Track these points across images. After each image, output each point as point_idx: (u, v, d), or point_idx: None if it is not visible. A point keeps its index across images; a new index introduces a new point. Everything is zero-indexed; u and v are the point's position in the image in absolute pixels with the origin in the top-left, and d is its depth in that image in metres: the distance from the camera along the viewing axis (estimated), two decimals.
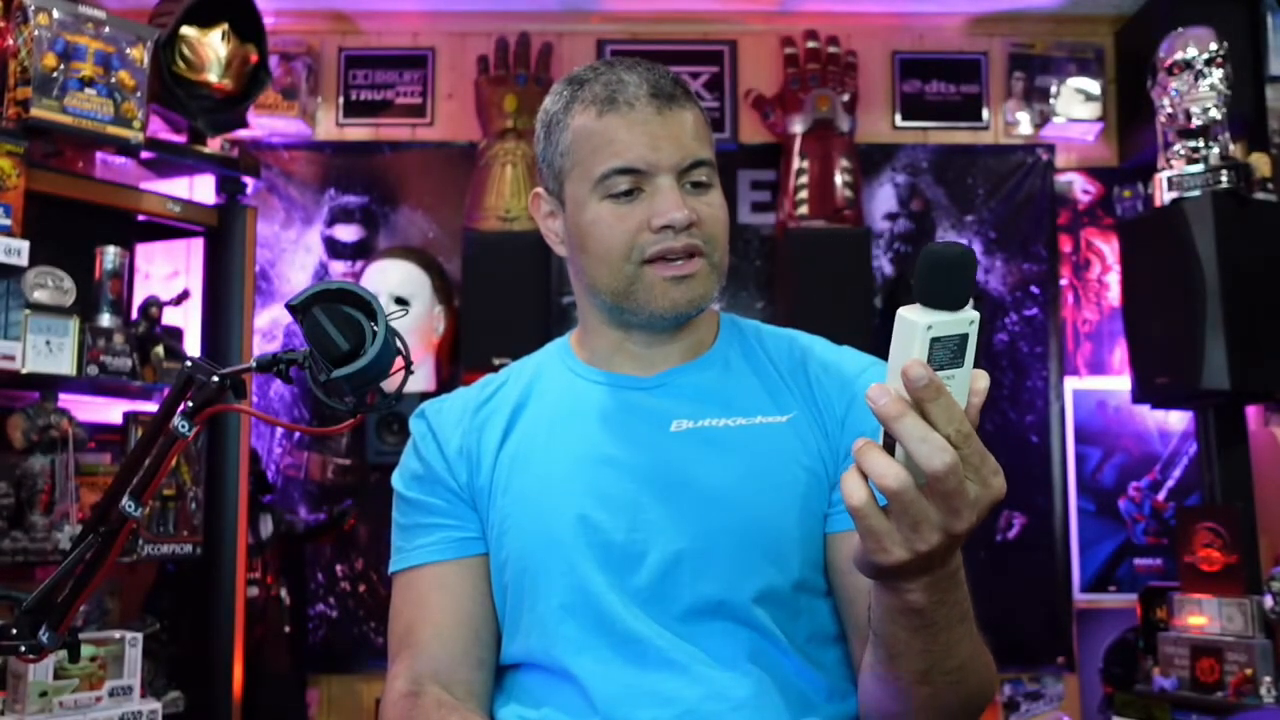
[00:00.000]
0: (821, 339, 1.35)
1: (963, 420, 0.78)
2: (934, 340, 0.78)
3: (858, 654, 1.19)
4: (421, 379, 3.24)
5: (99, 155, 2.57)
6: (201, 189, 2.92)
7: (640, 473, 1.21)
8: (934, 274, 0.79)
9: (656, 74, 1.23)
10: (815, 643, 1.20)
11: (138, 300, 2.57)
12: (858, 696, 1.16)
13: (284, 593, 3.05)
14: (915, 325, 0.78)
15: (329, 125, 3.61)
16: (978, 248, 3.58)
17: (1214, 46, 2.96)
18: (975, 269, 0.79)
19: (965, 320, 0.79)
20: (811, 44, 3.43)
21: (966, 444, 0.78)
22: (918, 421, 0.77)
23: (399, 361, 1.10)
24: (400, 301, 3.21)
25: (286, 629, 3.05)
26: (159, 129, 2.68)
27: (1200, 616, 2.79)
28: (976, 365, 0.81)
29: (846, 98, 3.39)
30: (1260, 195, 2.94)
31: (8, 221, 2.18)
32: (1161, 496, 3.45)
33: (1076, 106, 3.56)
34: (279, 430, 3.45)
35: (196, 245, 2.79)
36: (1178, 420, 3.47)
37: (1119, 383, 3.43)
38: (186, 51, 2.59)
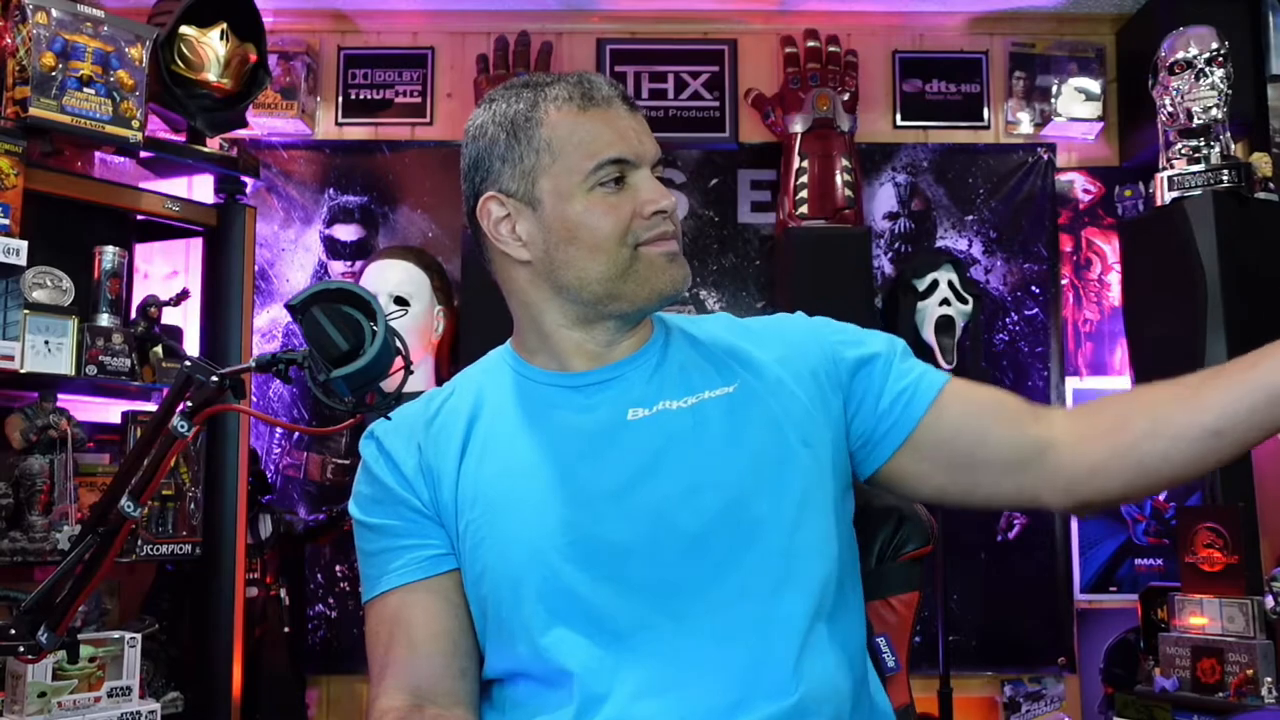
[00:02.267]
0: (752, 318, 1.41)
1: None
2: None
3: (1006, 483, 1.25)
4: (421, 379, 3.24)
5: (98, 155, 2.57)
6: (200, 189, 2.92)
7: (605, 465, 1.22)
8: None
9: (613, 81, 1.32)
10: (807, 613, 1.19)
11: (136, 300, 2.56)
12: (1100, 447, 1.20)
13: (283, 593, 3.05)
14: None
15: (328, 125, 3.61)
16: (978, 247, 3.57)
17: (1215, 45, 2.96)
18: None
19: None
20: (811, 43, 3.43)
21: None
22: None
23: (398, 361, 1.10)
24: (400, 301, 3.20)
25: (286, 629, 3.04)
26: (158, 128, 2.68)
27: (1201, 617, 2.78)
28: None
29: (846, 97, 3.39)
30: (1261, 195, 2.94)
31: (6, 221, 2.18)
32: (1162, 497, 3.45)
33: (1077, 106, 3.55)
34: (278, 430, 3.44)
35: (195, 245, 2.79)
36: None
37: (1120, 383, 3.43)
38: (185, 51, 2.59)
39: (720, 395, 1.26)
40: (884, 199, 3.58)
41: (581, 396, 1.28)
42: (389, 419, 1.29)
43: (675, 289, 1.27)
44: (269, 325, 3.50)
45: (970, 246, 3.57)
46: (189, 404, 1.12)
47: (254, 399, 3.35)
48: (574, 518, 1.20)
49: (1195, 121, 2.96)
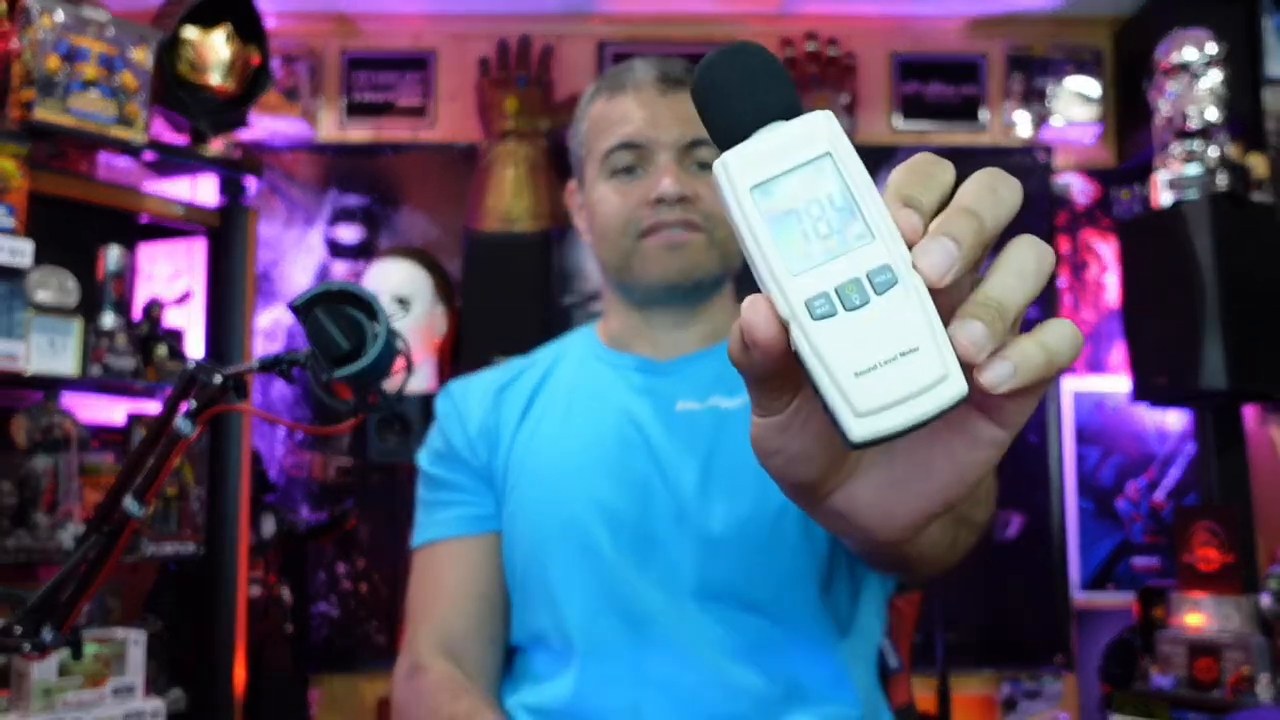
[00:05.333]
0: None
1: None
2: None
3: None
4: (422, 379, 3.25)
5: (102, 156, 2.58)
6: (204, 190, 2.93)
7: (650, 452, 1.23)
8: (709, 87, 0.52)
9: (669, 61, 1.29)
10: (824, 625, 1.20)
11: (140, 301, 2.58)
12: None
13: (286, 592, 3.06)
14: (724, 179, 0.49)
15: (331, 126, 3.62)
16: None
17: (1211, 48, 2.97)
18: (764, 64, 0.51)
19: (804, 135, 0.49)
20: (811, 46, 3.44)
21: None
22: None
23: (400, 362, 1.11)
24: (401, 302, 3.22)
25: (288, 628, 3.06)
26: (161, 130, 2.69)
27: (1198, 615, 2.79)
28: None
29: (846, 99, 3.40)
30: (1257, 196, 2.95)
31: (11, 222, 2.19)
32: (1159, 496, 3.46)
33: (1075, 108, 3.56)
34: (281, 430, 3.46)
35: (199, 246, 2.80)
36: (1176, 420, 3.48)
37: (1117, 383, 3.44)
38: (189, 53, 2.60)
39: None
40: None
41: (640, 381, 1.29)
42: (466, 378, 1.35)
43: (669, 280, 1.25)
44: (272, 326, 3.52)
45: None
46: (192, 404, 1.13)
47: (257, 399, 3.36)
48: (613, 501, 1.21)
49: (1192, 124, 2.97)
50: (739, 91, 0.51)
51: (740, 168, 0.49)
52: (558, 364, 1.36)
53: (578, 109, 1.34)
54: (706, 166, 1.25)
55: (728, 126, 0.51)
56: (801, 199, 0.48)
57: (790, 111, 0.50)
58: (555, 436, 1.28)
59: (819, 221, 0.48)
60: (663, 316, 1.30)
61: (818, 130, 0.49)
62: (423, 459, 1.36)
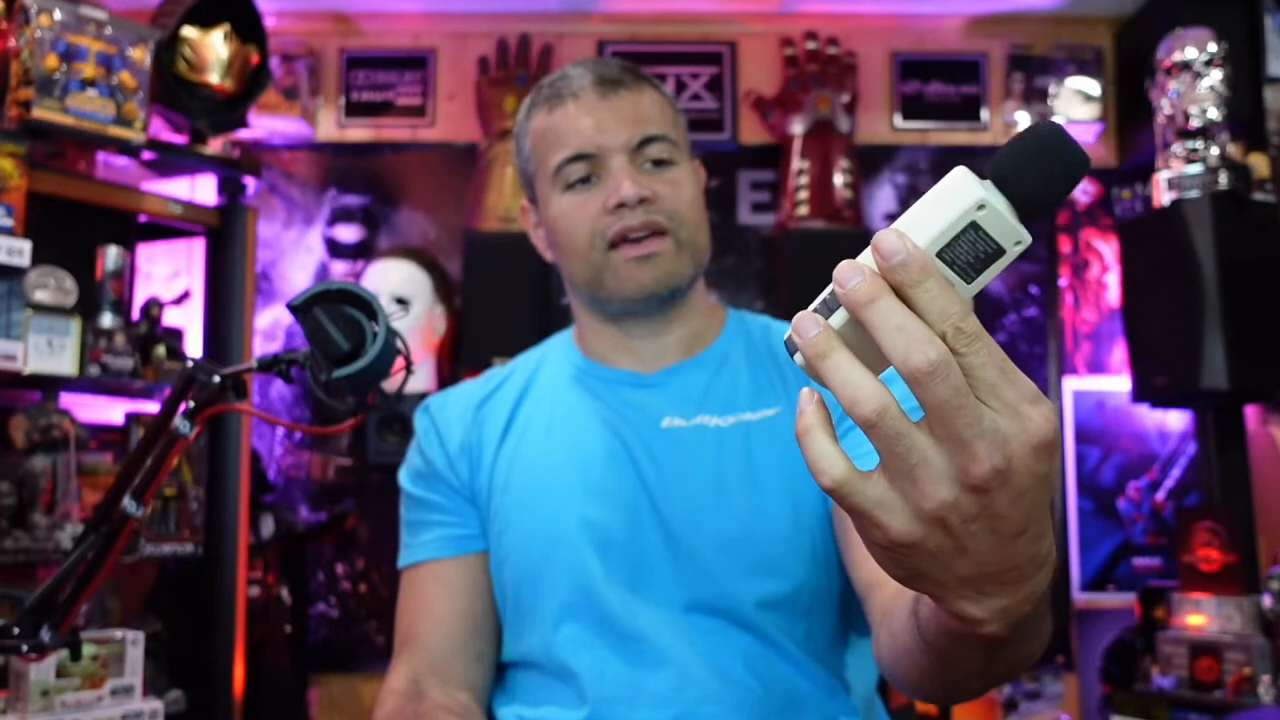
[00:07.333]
0: None
1: (965, 317, 0.54)
2: (971, 227, 0.56)
3: (874, 621, 1.01)
4: (422, 379, 3.25)
5: (100, 156, 2.58)
6: (203, 189, 2.93)
7: (635, 470, 1.21)
8: (1038, 154, 0.59)
9: (603, 64, 1.26)
10: (818, 642, 1.19)
11: (139, 300, 2.57)
12: (886, 661, 0.93)
13: (285, 592, 3.06)
14: (965, 192, 0.56)
15: (330, 126, 3.62)
16: None
17: (1212, 48, 2.97)
18: (1080, 177, 0.59)
19: (1015, 236, 0.57)
20: (811, 45, 3.44)
21: (970, 347, 0.54)
22: (897, 306, 0.54)
23: (399, 361, 1.11)
24: (400, 302, 3.21)
25: (287, 629, 3.05)
26: (160, 129, 2.69)
27: (1199, 616, 2.79)
28: None
29: (846, 98, 3.40)
30: (1259, 196, 2.95)
31: (10, 222, 2.19)
32: (1160, 496, 3.46)
33: (1076, 107, 3.56)
34: (280, 430, 3.45)
35: (198, 245, 2.80)
36: (1177, 420, 3.48)
37: (1118, 383, 3.43)
38: (188, 52, 2.60)
39: (763, 418, 1.22)
40: (883, 200, 3.59)
41: (625, 396, 1.26)
42: (445, 392, 1.33)
43: (644, 293, 1.22)
44: (270, 325, 3.51)
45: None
46: (191, 404, 1.12)
47: (256, 399, 3.36)
48: (600, 519, 1.20)
49: (1193, 123, 2.96)
50: (1030, 163, 0.59)
51: (967, 188, 0.58)
52: (537, 375, 1.33)
53: (516, 125, 1.29)
54: (660, 163, 1.22)
55: (1001, 162, 0.59)
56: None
57: (1021, 209, 0.59)
58: (539, 454, 1.25)
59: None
60: (640, 327, 1.27)
61: (963, 194, 0.58)
62: (404, 478, 1.34)
